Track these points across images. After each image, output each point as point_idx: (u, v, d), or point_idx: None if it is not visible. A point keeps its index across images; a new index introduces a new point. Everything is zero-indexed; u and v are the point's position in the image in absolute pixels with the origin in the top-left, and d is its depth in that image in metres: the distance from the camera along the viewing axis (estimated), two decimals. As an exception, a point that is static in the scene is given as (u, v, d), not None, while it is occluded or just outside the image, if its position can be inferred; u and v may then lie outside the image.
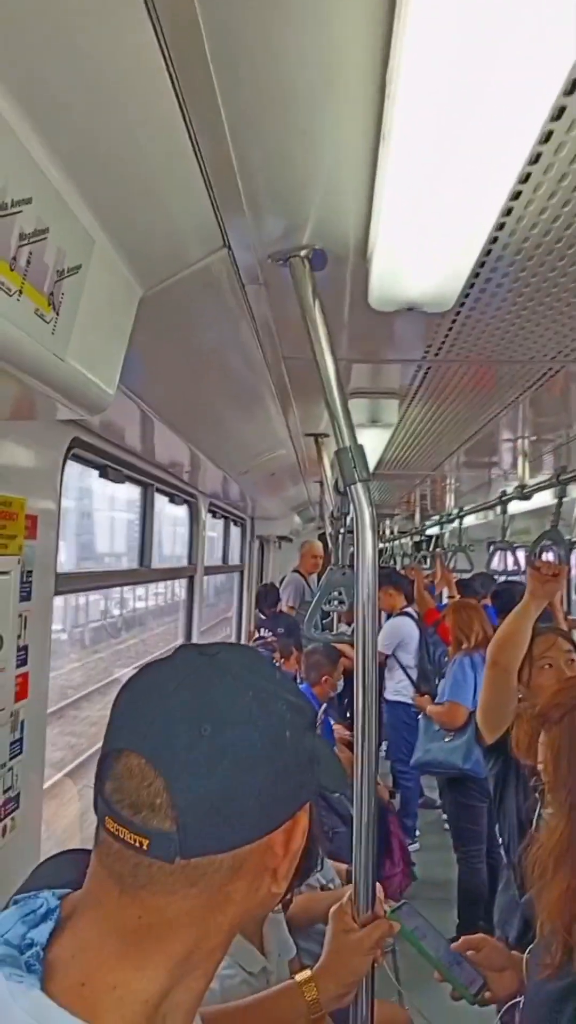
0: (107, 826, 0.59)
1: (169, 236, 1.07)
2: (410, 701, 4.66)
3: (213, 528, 4.52)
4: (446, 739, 3.55)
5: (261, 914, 0.68)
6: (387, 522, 9.09)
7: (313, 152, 0.91)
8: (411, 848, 4.20)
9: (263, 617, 5.26)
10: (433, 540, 7.33)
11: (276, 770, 0.62)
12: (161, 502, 2.85)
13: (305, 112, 0.84)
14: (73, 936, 0.59)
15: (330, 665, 3.50)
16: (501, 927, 1.98)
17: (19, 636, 1.44)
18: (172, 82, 0.77)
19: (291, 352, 1.75)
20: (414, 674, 4.82)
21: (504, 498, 3.42)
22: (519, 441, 2.99)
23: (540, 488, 2.90)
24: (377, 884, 2.11)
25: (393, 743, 4.99)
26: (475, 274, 1.25)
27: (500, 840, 2.01)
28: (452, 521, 5.60)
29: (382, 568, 8.33)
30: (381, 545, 10.48)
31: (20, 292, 0.77)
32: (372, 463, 3.35)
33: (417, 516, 7.20)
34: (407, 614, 5.07)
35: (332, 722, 3.59)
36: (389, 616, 5.16)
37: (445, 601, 5.64)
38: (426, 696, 4.25)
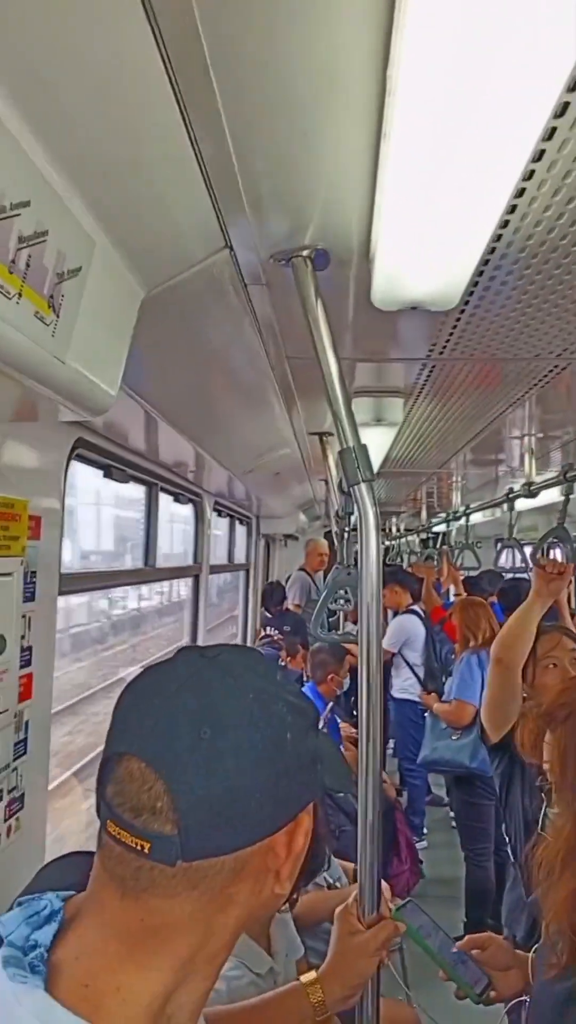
0: (109, 829, 0.59)
1: (170, 237, 1.06)
2: (417, 699, 4.65)
3: (218, 527, 4.51)
4: (453, 737, 3.54)
5: (265, 915, 0.68)
6: (394, 519, 9.07)
7: (314, 152, 0.91)
8: (419, 846, 4.20)
9: (269, 615, 5.26)
10: (440, 537, 7.31)
11: (277, 772, 0.62)
12: (164, 500, 2.84)
13: (305, 112, 0.83)
14: (77, 938, 0.60)
15: (336, 663, 3.49)
16: (509, 926, 1.97)
17: (23, 637, 1.44)
18: (172, 85, 0.77)
19: (294, 351, 1.74)
20: (421, 672, 4.81)
21: (511, 495, 3.40)
22: (526, 438, 2.98)
23: (547, 485, 2.89)
24: (384, 883, 2.12)
25: (400, 741, 4.98)
26: (479, 272, 1.24)
27: (507, 839, 2.00)
28: (459, 518, 5.58)
29: (388, 566, 8.33)
30: (388, 542, 10.47)
31: (19, 295, 0.76)
32: (378, 461, 3.35)
33: (424, 513, 7.19)
34: (413, 612, 5.06)
35: (339, 720, 3.58)
36: (396, 614, 5.15)
37: (452, 599, 5.63)
38: (433, 694, 4.24)
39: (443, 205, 0.94)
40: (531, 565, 2.41)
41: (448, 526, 6.42)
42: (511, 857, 2.01)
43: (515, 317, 1.49)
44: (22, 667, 1.45)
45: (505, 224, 1.07)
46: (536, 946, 1.21)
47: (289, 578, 5.93)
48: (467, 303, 1.40)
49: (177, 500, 3.11)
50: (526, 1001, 1.22)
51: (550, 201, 1.02)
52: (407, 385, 2.10)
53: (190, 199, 0.98)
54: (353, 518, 1.42)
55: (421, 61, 0.69)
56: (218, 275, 1.22)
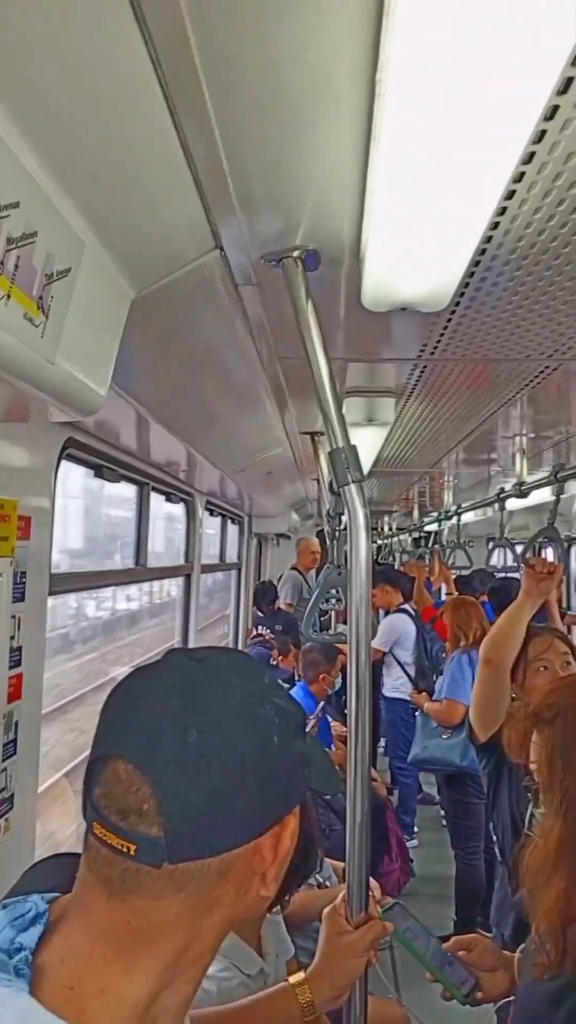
0: (95, 831, 0.59)
1: (160, 238, 1.06)
2: (408, 698, 4.66)
3: (209, 526, 4.51)
4: (443, 736, 3.55)
5: (251, 917, 0.68)
6: (386, 519, 9.09)
7: (304, 154, 0.91)
8: (409, 845, 4.21)
9: (261, 615, 5.26)
10: (432, 537, 7.33)
11: (264, 774, 0.62)
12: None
13: (295, 114, 0.83)
14: (62, 940, 0.60)
15: (328, 663, 3.49)
16: (496, 924, 1.98)
17: (12, 637, 1.43)
18: (161, 86, 0.77)
19: (286, 352, 1.74)
20: (412, 671, 4.82)
21: (502, 495, 3.41)
22: (517, 438, 2.99)
23: (538, 485, 2.90)
24: (373, 881, 2.12)
25: (391, 740, 4.99)
26: (470, 273, 1.24)
27: (494, 838, 2.01)
28: (450, 518, 5.60)
29: (379, 565, 8.34)
30: (380, 542, 10.49)
31: (8, 296, 0.76)
32: (370, 460, 3.35)
33: (416, 513, 7.21)
34: (404, 611, 5.07)
35: (330, 720, 3.58)
36: (387, 613, 5.16)
37: (444, 598, 5.64)
38: (423, 693, 4.25)
39: (433, 208, 0.94)
40: (521, 565, 2.42)
41: (440, 525, 6.44)
42: (499, 856, 2.02)
43: (506, 318, 1.50)
44: (11, 667, 1.44)
45: (495, 226, 1.08)
46: (522, 946, 1.22)
47: (281, 577, 5.93)
48: (458, 304, 1.40)
49: (169, 499, 3.11)
50: (513, 1001, 1.22)
51: (540, 203, 1.02)
52: (398, 385, 2.10)
53: (180, 200, 0.98)
54: (344, 518, 1.42)
55: (410, 65, 0.69)
56: (209, 276, 1.22)
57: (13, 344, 0.80)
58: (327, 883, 2.27)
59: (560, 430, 2.84)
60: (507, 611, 2.01)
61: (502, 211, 1.03)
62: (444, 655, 4.13)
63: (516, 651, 1.92)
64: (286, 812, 0.65)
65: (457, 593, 4.93)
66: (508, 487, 3.42)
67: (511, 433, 2.89)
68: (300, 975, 1.10)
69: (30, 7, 0.65)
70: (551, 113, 0.82)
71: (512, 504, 3.54)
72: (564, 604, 4.99)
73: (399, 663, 4.85)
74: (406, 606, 5.11)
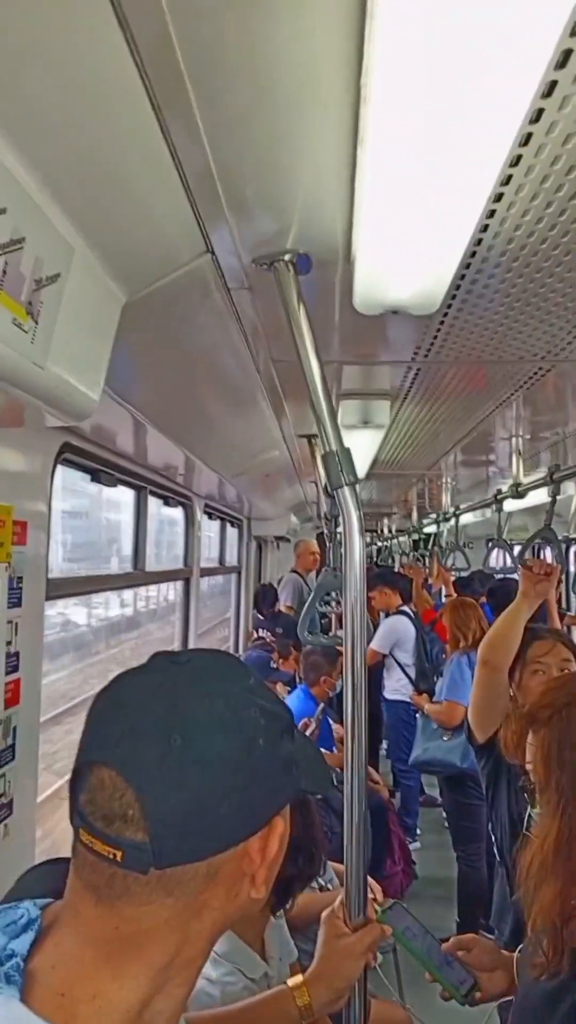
0: (81, 838, 0.59)
1: (151, 242, 1.07)
2: (409, 700, 4.66)
3: (209, 529, 4.50)
4: (444, 738, 3.55)
5: (243, 919, 0.68)
6: (385, 521, 9.10)
7: (292, 157, 0.91)
8: (412, 847, 4.20)
9: (261, 617, 5.25)
10: (431, 538, 7.33)
11: (249, 777, 0.62)
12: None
13: (282, 118, 0.84)
14: (53, 947, 0.60)
15: (329, 665, 3.49)
16: (496, 925, 1.98)
17: (9, 643, 1.44)
18: (147, 91, 0.77)
19: (280, 355, 1.75)
20: (412, 672, 4.82)
21: (499, 496, 3.41)
22: (513, 439, 2.99)
23: (534, 486, 2.90)
24: (375, 883, 2.11)
25: (393, 742, 4.99)
26: (460, 276, 1.25)
27: (493, 838, 2.01)
28: (449, 520, 5.60)
29: (379, 567, 8.33)
30: (380, 544, 10.48)
31: (-3, 302, 0.77)
32: (367, 463, 3.35)
33: (415, 515, 7.21)
34: (403, 613, 5.06)
35: (331, 722, 3.58)
36: (386, 615, 5.16)
37: (443, 599, 5.64)
38: (424, 695, 4.25)
39: (421, 211, 0.94)
40: (518, 566, 2.41)
41: (439, 527, 6.44)
42: (497, 856, 2.01)
43: (498, 320, 1.50)
44: (9, 673, 1.44)
45: (485, 229, 1.08)
46: (520, 946, 1.22)
47: (280, 580, 5.93)
48: (450, 307, 1.41)
49: (167, 503, 3.11)
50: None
51: (528, 206, 1.02)
52: (394, 388, 2.10)
53: (169, 204, 0.98)
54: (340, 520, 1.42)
55: (393, 69, 0.69)
56: (200, 280, 1.23)
57: (2, 350, 0.80)
58: (329, 885, 2.27)
59: (556, 431, 2.84)
60: (504, 613, 2.00)
61: (491, 214, 1.03)
62: (444, 657, 4.13)
63: (513, 653, 1.91)
64: (274, 814, 0.65)
65: (456, 595, 4.92)
66: (505, 488, 3.42)
67: (507, 435, 2.89)
68: (298, 978, 1.09)
69: (13, 13, 0.66)
70: (537, 116, 0.82)
71: (510, 505, 3.54)
72: (563, 605, 4.99)
73: (399, 665, 4.84)
74: (405, 608, 5.11)
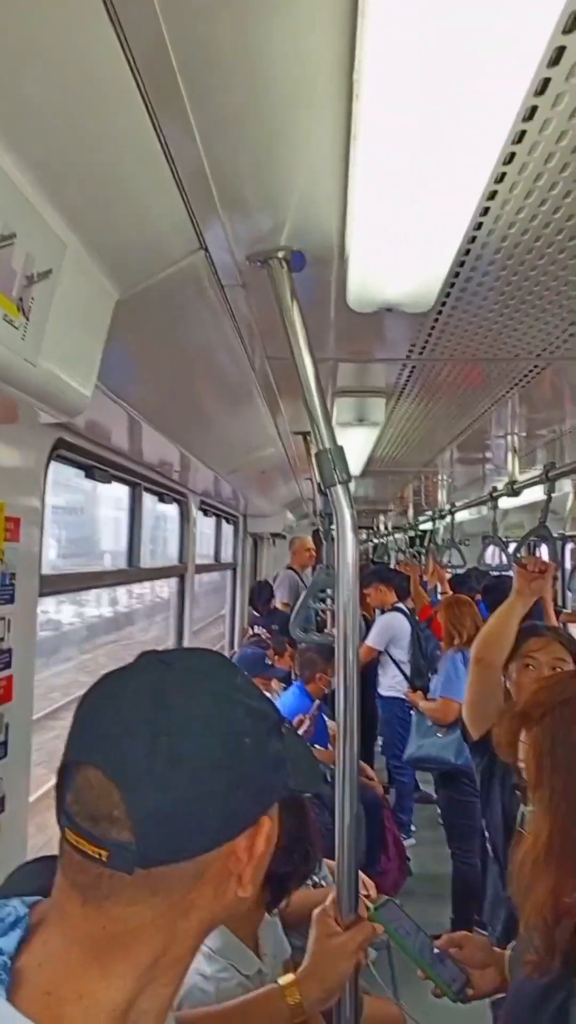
0: (68, 838, 0.59)
1: (143, 239, 1.06)
2: (404, 696, 4.67)
3: (205, 525, 4.49)
4: (439, 734, 3.56)
5: (236, 917, 0.68)
6: (381, 518, 9.10)
7: (286, 155, 0.91)
8: (406, 844, 4.21)
9: (257, 614, 5.25)
10: (427, 536, 7.33)
11: (236, 777, 0.62)
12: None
13: (275, 115, 0.83)
14: (41, 945, 0.59)
15: (324, 662, 3.49)
16: (489, 921, 1.98)
17: (2, 639, 1.43)
18: (139, 88, 0.77)
19: (275, 352, 1.74)
20: (408, 669, 4.82)
21: (494, 494, 3.41)
22: (509, 437, 2.99)
23: (529, 484, 2.90)
24: (368, 880, 2.11)
25: (388, 738, 4.99)
26: (455, 274, 1.25)
27: (487, 834, 2.01)
28: (444, 517, 5.60)
29: (374, 564, 8.34)
30: (376, 541, 10.49)
31: (-13, 298, 0.76)
32: (362, 460, 3.35)
33: (411, 512, 7.21)
34: (399, 609, 5.07)
35: (326, 719, 3.59)
36: (382, 612, 5.16)
37: (439, 596, 5.64)
38: (419, 692, 4.26)
39: (414, 208, 0.94)
40: (513, 564, 2.41)
41: (434, 524, 6.44)
42: (491, 852, 2.02)
43: (492, 318, 1.50)
44: (1, 669, 1.44)
45: (479, 227, 1.08)
46: (512, 944, 1.22)
47: (276, 577, 5.93)
48: (444, 304, 1.41)
49: (162, 500, 3.10)
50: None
51: (523, 204, 1.02)
52: (389, 385, 2.10)
53: (162, 201, 0.98)
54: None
55: (385, 66, 0.69)
56: (194, 276, 1.22)
57: (-7, 346, 0.80)
58: (323, 883, 2.28)
59: (552, 429, 2.84)
60: (498, 610, 2.00)
61: (484, 212, 1.03)
62: (439, 653, 4.13)
63: (507, 650, 1.91)
64: (261, 813, 0.65)
65: (451, 592, 4.93)
66: (501, 486, 3.43)
67: (503, 432, 2.89)
68: (290, 976, 1.09)
69: (7, 12, 0.65)
70: (530, 113, 0.82)
71: (506, 503, 3.55)
72: (559, 602, 5.00)
73: (395, 662, 4.85)
74: (401, 605, 5.12)
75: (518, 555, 2.72)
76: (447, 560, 5.40)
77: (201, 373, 1.86)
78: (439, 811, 4.11)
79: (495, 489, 3.47)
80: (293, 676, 3.94)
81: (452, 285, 1.30)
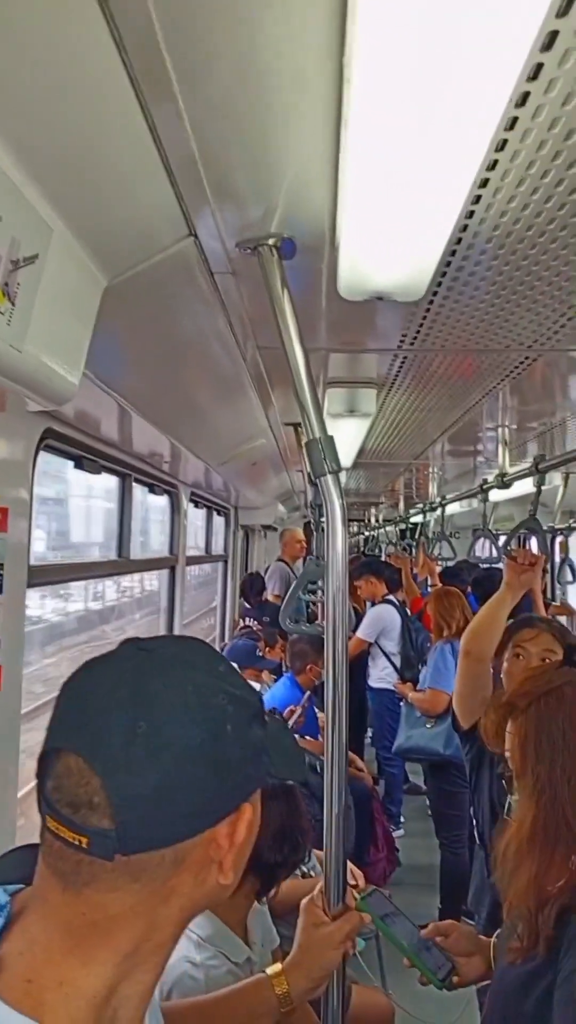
0: (48, 825, 0.59)
1: (132, 224, 1.05)
2: (394, 688, 4.69)
3: (193, 517, 4.47)
4: (427, 725, 3.57)
5: (225, 905, 0.68)
6: (372, 510, 9.11)
7: (276, 140, 0.90)
8: (396, 834, 4.23)
9: (248, 606, 5.25)
10: (418, 528, 7.35)
11: (216, 764, 0.62)
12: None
13: (265, 99, 0.82)
14: (22, 933, 0.60)
15: (315, 654, 3.50)
16: (476, 908, 2.00)
17: (-11, 630, 1.42)
18: (126, 71, 0.76)
19: (266, 341, 1.73)
20: (398, 661, 4.84)
21: (485, 487, 3.42)
22: (500, 429, 2.99)
23: (519, 476, 2.90)
24: (357, 870, 2.12)
25: (378, 730, 5.02)
26: (446, 263, 1.24)
27: (474, 822, 2.02)
28: (435, 509, 5.61)
29: (366, 556, 8.35)
30: (367, 533, 10.50)
31: (-30, 282, 0.75)
32: (353, 452, 3.35)
33: (402, 504, 7.22)
34: (389, 601, 5.08)
35: (317, 711, 3.60)
36: (372, 604, 5.17)
37: (429, 589, 5.66)
38: (408, 683, 4.27)
39: (405, 196, 0.93)
40: (503, 556, 2.42)
41: (425, 517, 6.45)
42: (477, 840, 2.03)
43: (484, 309, 1.49)
44: (-11, 660, 1.43)
45: (470, 215, 1.07)
46: (498, 931, 1.23)
47: (267, 569, 5.93)
48: (436, 293, 1.40)
49: (152, 491, 3.09)
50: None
51: (514, 192, 1.02)
52: (380, 376, 2.10)
53: (150, 186, 0.96)
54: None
55: (375, 50, 0.68)
56: (184, 264, 1.21)
57: (-22, 332, 0.78)
58: (312, 873, 2.28)
59: (543, 421, 2.84)
60: (488, 603, 2.01)
61: (476, 200, 1.02)
62: (429, 645, 4.15)
63: (496, 643, 1.92)
64: (242, 800, 0.65)
65: (441, 584, 4.94)
66: (491, 478, 3.43)
67: (494, 424, 2.89)
68: (277, 966, 1.09)
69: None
70: (522, 100, 0.81)
71: (496, 495, 3.55)
72: (548, 595, 5.02)
73: (385, 654, 4.86)
74: (391, 597, 5.13)
75: (508, 548, 2.72)
76: (438, 553, 5.41)
77: (191, 362, 1.85)
78: (428, 802, 4.13)
79: (485, 482, 3.48)
80: (284, 668, 3.94)
81: (444, 274, 1.29)
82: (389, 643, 4.88)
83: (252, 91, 0.81)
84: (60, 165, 0.86)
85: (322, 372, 2.05)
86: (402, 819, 4.77)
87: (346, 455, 3.49)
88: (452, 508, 5.44)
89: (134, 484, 2.74)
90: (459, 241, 1.16)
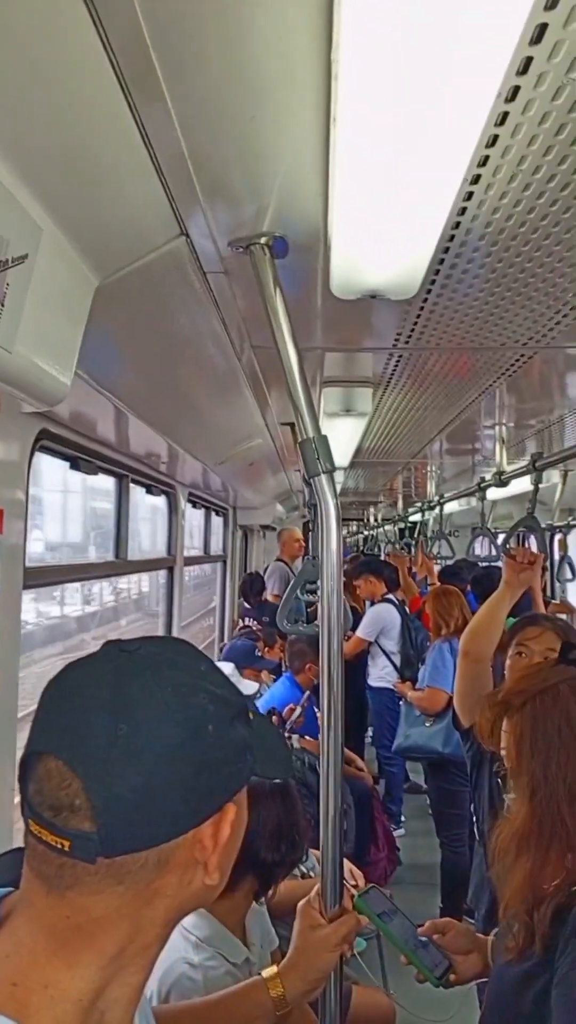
0: (31, 828, 0.59)
1: (123, 224, 1.04)
2: (394, 687, 4.68)
3: (191, 518, 4.46)
4: (426, 724, 3.57)
5: (198, 907, 0.68)
6: (371, 509, 9.11)
7: (265, 137, 0.89)
8: (396, 833, 4.23)
9: (248, 606, 5.25)
10: (417, 527, 7.35)
11: (198, 764, 0.61)
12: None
13: (253, 96, 0.82)
14: (9, 936, 0.60)
15: (314, 653, 3.47)
16: (475, 904, 1.99)
17: (-16, 632, 1.42)
18: (114, 68, 0.75)
19: (260, 341, 1.73)
20: (397, 660, 4.84)
21: (482, 485, 3.41)
22: (497, 427, 2.99)
23: (517, 475, 2.90)
24: (357, 870, 2.11)
25: (378, 729, 5.01)
26: (440, 260, 1.24)
27: (475, 819, 2.02)
28: (434, 508, 5.60)
29: (364, 556, 8.35)
30: (367, 532, 10.50)
31: (-42, 282, 0.74)
32: (350, 451, 3.34)
33: (400, 503, 7.22)
34: (389, 600, 5.08)
35: (316, 710, 3.59)
36: (372, 603, 5.17)
37: (428, 587, 5.65)
38: (407, 682, 4.27)
39: (396, 193, 0.93)
40: (502, 555, 2.42)
41: (424, 516, 6.45)
42: (477, 837, 2.03)
43: (478, 306, 1.49)
44: (-16, 662, 1.43)
45: (462, 212, 1.07)
46: (495, 930, 1.23)
47: (267, 569, 5.93)
48: (430, 291, 1.40)
49: (149, 491, 3.08)
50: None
51: (506, 188, 1.01)
52: (376, 375, 2.09)
53: (141, 185, 0.96)
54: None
55: (362, 45, 0.68)
56: (176, 263, 1.20)
57: (-34, 332, 0.78)
58: (311, 873, 2.28)
59: (541, 419, 2.84)
60: (487, 602, 2.00)
61: (468, 196, 1.02)
62: (429, 644, 4.14)
63: (495, 643, 1.91)
64: (226, 800, 0.65)
65: (440, 583, 4.94)
66: (489, 477, 3.43)
67: (491, 422, 2.89)
68: (273, 969, 1.09)
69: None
70: (512, 94, 0.81)
71: (494, 493, 3.55)
72: (547, 593, 5.02)
73: (384, 653, 4.86)
74: (391, 596, 5.13)
75: (507, 546, 2.72)
76: (437, 551, 5.41)
77: (186, 362, 1.85)
78: (428, 801, 4.13)
79: (483, 480, 3.47)
80: (284, 667, 3.94)
81: (437, 272, 1.29)
82: (389, 642, 4.87)
83: (241, 89, 0.81)
84: (49, 165, 0.86)
85: (318, 371, 2.05)
86: (403, 818, 4.76)
87: (343, 454, 3.48)
88: (451, 507, 5.44)
89: (131, 485, 2.73)
90: (452, 238, 1.15)
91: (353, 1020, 1.93)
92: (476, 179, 0.98)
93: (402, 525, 8.48)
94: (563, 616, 4.66)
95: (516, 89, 0.80)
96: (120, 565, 2.76)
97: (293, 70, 0.78)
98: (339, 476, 4.79)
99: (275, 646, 4.28)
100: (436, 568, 5.63)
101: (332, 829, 1.16)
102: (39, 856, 0.59)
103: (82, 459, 2.10)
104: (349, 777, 3.59)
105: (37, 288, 0.93)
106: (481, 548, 4.36)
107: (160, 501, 3.45)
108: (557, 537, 5.13)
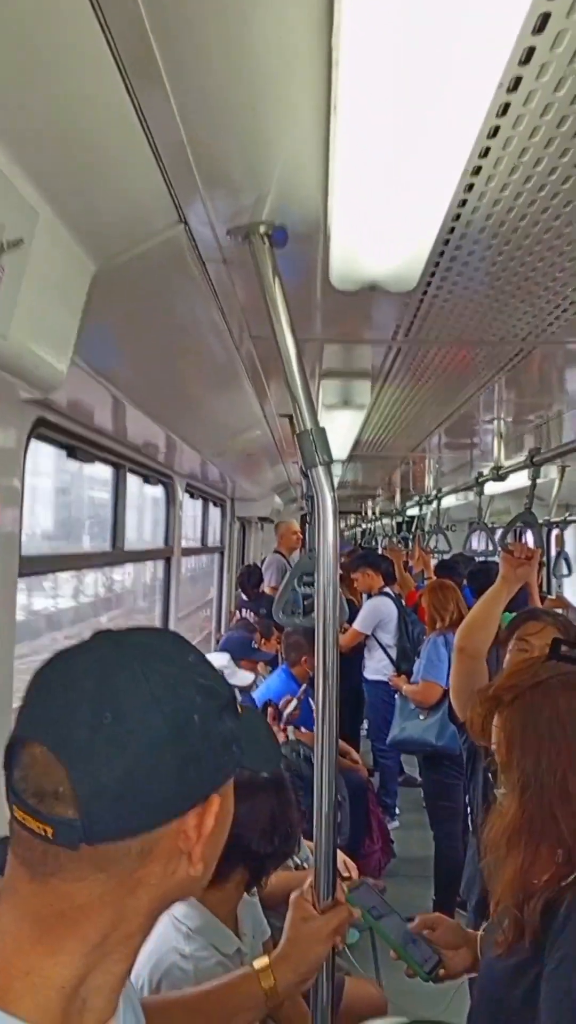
0: (15, 815, 0.59)
1: (121, 210, 1.04)
2: (389, 680, 4.69)
3: (189, 509, 4.45)
4: (420, 717, 3.58)
5: (183, 897, 0.68)
6: (369, 503, 9.11)
7: (266, 125, 0.89)
8: (391, 826, 4.25)
9: (245, 598, 5.25)
10: (415, 521, 7.35)
11: (183, 754, 0.61)
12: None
13: (254, 83, 0.81)
14: None
15: (310, 646, 3.48)
16: (467, 896, 2.00)
17: (-21, 620, 1.41)
18: (112, 53, 0.75)
19: (260, 331, 1.72)
20: (394, 653, 4.84)
21: (480, 480, 3.41)
22: (496, 422, 2.99)
23: (514, 469, 2.90)
24: (351, 862, 2.12)
25: (373, 722, 5.03)
26: (439, 253, 1.23)
27: (469, 811, 2.02)
28: (431, 502, 5.60)
29: (362, 549, 8.35)
30: (364, 526, 10.50)
31: (-48, 267, 0.74)
32: (349, 443, 3.34)
33: (398, 497, 7.22)
34: (386, 594, 5.08)
35: (311, 703, 3.60)
36: (369, 596, 5.17)
37: (425, 581, 5.66)
38: (402, 676, 4.28)
39: (396, 183, 0.92)
40: (499, 550, 2.42)
41: (421, 510, 6.45)
42: (471, 830, 2.03)
43: (478, 300, 1.48)
44: (-22, 651, 1.42)
45: (463, 204, 1.06)
46: (485, 924, 1.23)
47: (264, 561, 5.93)
48: (430, 284, 1.39)
49: (147, 481, 3.07)
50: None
51: (507, 180, 1.00)
52: (375, 367, 2.09)
53: (139, 172, 0.95)
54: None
55: (364, 31, 0.67)
56: (174, 251, 1.20)
57: (-40, 317, 0.77)
58: (304, 864, 2.29)
59: (539, 414, 2.83)
60: (483, 598, 2.00)
61: (468, 188, 1.01)
62: (425, 638, 4.15)
63: (491, 638, 1.91)
64: (211, 791, 0.65)
65: (436, 577, 4.94)
66: (487, 471, 3.43)
67: (489, 417, 2.89)
68: (264, 960, 1.09)
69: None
70: (514, 85, 0.80)
71: (492, 488, 3.55)
72: (544, 588, 5.03)
73: (381, 646, 4.87)
74: (388, 589, 5.13)
75: (504, 541, 2.72)
76: (434, 545, 5.41)
77: (185, 351, 1.84)
78: (423, 794, 4.15)
79: (481, 475, 3.47)
80: (280, 659, 3.95)
81: (437, 264, 1.28)
82: (385, 635, 4.88)
83: (241, 77, 0.80)
84: (46, 149, 0.85)
85: (316, 363, 2.04)
86: (397, 811, 4.78)
87: (341, 447, 3.48)
88: (448, 501, 5.44)
89: (129, 474, 2.72)
90: (452, 231, 1.14)
91: (345, 1011, 1.94)
92: (477, 171, 0.97)
93: (400, 519, 8.49)
94: (559, 611, 4.66)
95: (518, 79, 0.79)
96: (117, 555, 2.75)
97: (293, 58, 0.77)
98: (337, 469, 4.79)
99: (271, 638, 4.28)
100: (433, 562, 5.63)
101: (325, 821, 1.16)
102: (23, 843, 0.59)
103: (79, 448, 2.09)
104: (344, 769, 3.60)
105: (33, 273, 0.92)
106: (478, 543, 4.36)
107: (158, 491, 3.44)
108: (554, 532, 5.13)
